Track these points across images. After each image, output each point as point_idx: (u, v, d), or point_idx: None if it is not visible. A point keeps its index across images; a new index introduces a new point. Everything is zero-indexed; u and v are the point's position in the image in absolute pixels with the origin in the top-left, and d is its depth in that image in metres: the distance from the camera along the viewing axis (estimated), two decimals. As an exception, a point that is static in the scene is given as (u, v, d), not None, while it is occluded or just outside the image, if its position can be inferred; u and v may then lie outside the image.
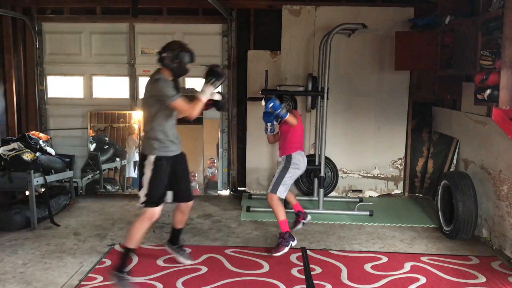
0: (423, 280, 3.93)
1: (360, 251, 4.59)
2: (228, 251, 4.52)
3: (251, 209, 5.83)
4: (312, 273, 4.02)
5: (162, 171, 3.77)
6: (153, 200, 3.76)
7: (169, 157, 3.83)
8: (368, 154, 6.62)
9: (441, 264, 4.27)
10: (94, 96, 6.99)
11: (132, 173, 6.88)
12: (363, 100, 6.59)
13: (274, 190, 4.56)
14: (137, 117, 6.87)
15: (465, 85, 5.39)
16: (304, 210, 5.20)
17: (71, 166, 6.17)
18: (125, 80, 6.94)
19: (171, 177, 3.88)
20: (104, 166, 6.79)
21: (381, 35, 6.43)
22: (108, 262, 4.21)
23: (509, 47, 3.88)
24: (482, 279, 3.96)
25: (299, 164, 4.69)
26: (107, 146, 6.85)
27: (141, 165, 3.84)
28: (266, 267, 4.15)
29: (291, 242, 4.42)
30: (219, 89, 4.05)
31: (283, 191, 4.60)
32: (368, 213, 5.73)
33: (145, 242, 4.74)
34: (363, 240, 4.92)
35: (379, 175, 6.71)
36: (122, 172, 6.87)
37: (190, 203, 4.12)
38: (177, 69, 3.79)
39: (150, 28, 6.81)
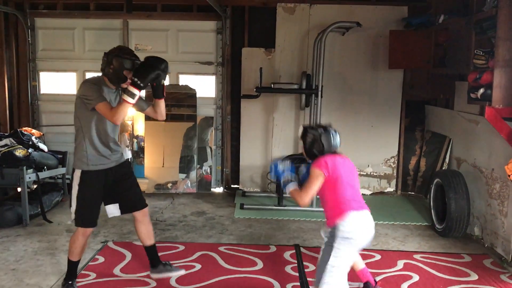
0: (416, 277, 3.96)
1: (353, 249, 4.60)
2: (221, 248, 4.52)
3: (245, 206, 5.83)
4: (305, 270, 4.03)
5: (89, 186, 3.42)
6: (83, 220, 3.45)
7: (100, 171, 3.45)
8: (361, 152, 6.64)
9: (434, 261, 4.30)
10: (87, 92, 6.94)
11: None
12: (356, 99, 6.61)
13: (316, 283, 2.97)
14: (130, 113, 6.83)
15: (458, 84, 5.42)
16: (375, 279, 3.60)
17: (63, 162, 6.14)
18: (119, 77, 6.89)
19: (111, 190, 3.54)
20: (97, 163, 6.74)
21: (375, 34, 6.44)
22: (101, 259, 4.19)
23: (503, 46, 3.92)
24: (474, 276, 3.99)
25: (349, 232, 2.94)
26: (100, 143, 6.80)
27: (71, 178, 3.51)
28: (260, 265, 4.16)
29: None
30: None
31: (332, 284, 2.91)
32: (361, 211, 5.74)
33: (138, 239, 4.72)
34: (356, 237, 4.93)
35: (372, 173, 6.74)
36: (115, 169, 6.83)
37: (145, 209, 3.68)
38: (111, 76, 3.36)
39: (144, 24, 6.78)
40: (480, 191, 4.85)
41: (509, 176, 3.97)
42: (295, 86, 6.07)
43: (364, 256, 4.35)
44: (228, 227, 5.23)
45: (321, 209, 5.87)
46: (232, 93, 6.75)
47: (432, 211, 5.25)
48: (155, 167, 6.66)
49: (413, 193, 6.69)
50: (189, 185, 6.64)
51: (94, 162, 3.42)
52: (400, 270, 4.11)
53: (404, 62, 5.92)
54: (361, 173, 6.72)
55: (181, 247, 4.53)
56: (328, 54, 6.05)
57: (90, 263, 4.11)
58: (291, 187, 3.11)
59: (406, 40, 5.80)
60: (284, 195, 5.94)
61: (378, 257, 4.39)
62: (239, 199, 6.26)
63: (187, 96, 6.69)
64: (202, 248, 4.53)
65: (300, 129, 3.26)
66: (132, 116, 6.82)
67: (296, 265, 4.17)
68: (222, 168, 6.92)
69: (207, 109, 6.91)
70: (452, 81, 5.54)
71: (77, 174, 3.41)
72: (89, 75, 6.90)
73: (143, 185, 6.65)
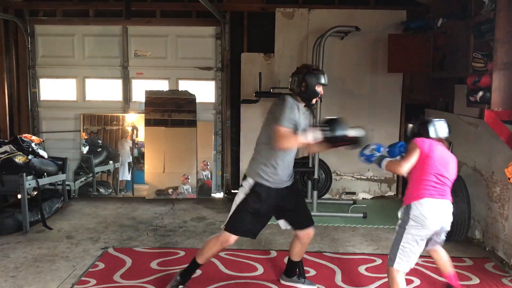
0: (417, 282, 3.94)
1: (354, 253, 4.59)
2: (222, 254, 4.49)
3: (245, 211, 5.82)
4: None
5: (254, 202, 3.41)
6: (235, 227, 3.46)
7: (271, 188, 3.43)
8: (362, 156, 6.62)
9: (435, 265, 4.26)
10: (87, 98, 6.97)
11: (126, 176, 6.86)
12: (356, 102, 6.61)
13: (391, 261, 3.18)
14: (130, 119, 6.85)
15: (458, 87, 5.42)
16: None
17: (63, 169, 6.13)
18: (118, 83, 6.92)
19: (278, 209, 3.55)
20: (97, 169, 6.76)
21: (374, 38, 6.45)
22: (101, 266, 4.18)
23: (501, 49, 3.92)
24: (476, 280, 3.98)
25: (421, 218, 3.12)
26: (100, 149, 6.82)
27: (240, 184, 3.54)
28: (260, 270, 4.14)
29: None
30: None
31: (403, 262, 3.15)
32: (361, 215, 5.74)
33: (138, 245, 4.72)
34: (357, 242, 4.93)
35: (372, 177, 6.73)
36: (115, 175, 6.84)
37: (311, 230, 3.67)
38: (304, 93, 3.41)
39: (144, 30, 6.81)
40: (480, 194, 4.84)
41: (509, 179, 3.96)
42: (295, 91, 6.06)
43: (365, 261, 4.36)
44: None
45: (321, 213, 5.89)
46: (232, 98, 6.76)
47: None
48: (156, 172, 6.66)
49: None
50: (190, 190, 6.64)
51: (273, 180, 3.43)
52: (401, 274, 4.10)
53: (403, 66, 5.92)
54: (362, 177, 6.71)
55: (182, 253, 4.52)
56: (327, 59, 6.06)
57: (90, 270, 4.10)
58: (386, 161, 3.26)
59: (405, 44, 5.80)
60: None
61: (379, 261, 4.38)
62: (239, 204, 6.24)
63: (187, 102, 6.70)
64: (203, 253, 4.51)
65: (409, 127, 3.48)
66: (132, 122, 6.83)
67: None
68: (223, 173, 6.92)
69: (207, 114, 6.91)
70: (451, 84, 5.54)
71: (249, 183, 3.43)
72: (88, 82, 6.95)
73: (143, 191, 6.66)
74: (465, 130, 5.24)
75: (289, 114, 3.28)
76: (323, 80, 3.44)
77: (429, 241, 3.31)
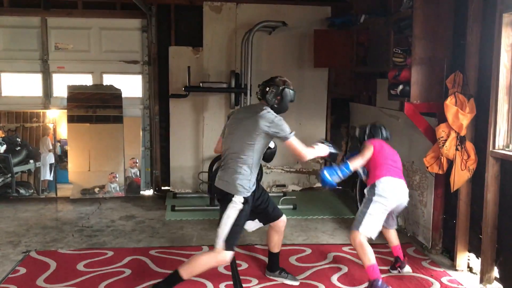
0: (345, 269, 4.09)
1: (285, 244, 4.64)
2: (152, 252, 4.41)
3: (176, 208, 5.74)
4: (238, 268, 4.03)
5: (245, 214, 3.42)
6: (233, 244, 3.39)
7: (251, 196, 3.47)
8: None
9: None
10: (4, 94, 6.55)
11: (48, 175, 6.51)
12: (284, 97, 6.70)
13: (356, 226, 3.64)
14: (51, 116, 6.51)
15: (380, 81, 5.65)
16: (406, 259, 4.15)
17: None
18: (38, 77, 6.55)
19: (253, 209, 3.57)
20: (16, 169, 6.36)
21: (301, 33, 6.57)
22: (22, 270, 3.95)
23: (418, 45, 4.13)
24: (399, 264, 4.18)
25: (386, 192, 3.69)
26: (19, 148, 6.41)
27: (222, 202, 3.43)
28: (244, 265, 4.11)
29: None
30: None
31: (368, 228, 3.61)
32: (291, 206, 5.85)
33: (63, 247, 4.51)
34: (287, 233, 5.00)
35: (301, 169, 6.88)
36: (36, 175, 6.47)
37: (284, 219, 3.79)
38: (276, 106, 3.50)
39: (65, 22, 6.49)
40: (402, 183, 5.08)
41: (427, 167, 4.21)
42: (224, 85, 6.06)
43: (295, 251, 4.45)
44: (159, 230, 5.12)
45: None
46: (160, 93, 6.62)
47: (359, 204, 5.43)
48: (81, 171, 6.38)
49: (340, 187, 6.90)
50: (118, 188, 6.43)
51: (252, 189, 3.45)
52: (330, 263, 4.24)
53: (328, 61, 6.09)
54: (291, 169, 6.84)
55: (110, 253, 4.37)
56: (256, 53, 6.10)
57: (10, 275, 3.85)
58: (350, 163, 3.78)
59: (329, 39, 5.97)
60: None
61: (308, 251, 4.49)
62: (170, 201, 6.15)
63: (113, 97, 6.48)
64: (132, 253, 4.40)
65: (357, 130, 4.24)
66: (54, 119, 6.49)
67: (229, 264, 4.15)
68: (152, 170, 6.77)
69: (134, 109, 6.73)
70: (373, 78, 5.77)
71: (239, 200, 3.36)
72: (4, 76, 6.52)
73: (67, 190, 6.37)
74: (387, 122, 5.46)
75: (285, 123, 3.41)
76: (294, 98, 3.59)
77: (387, 219, 3.84)
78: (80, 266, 4.07)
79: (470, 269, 4.10)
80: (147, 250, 4.46)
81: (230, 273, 3.95)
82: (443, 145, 3.95)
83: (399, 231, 5.04)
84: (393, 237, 4.05)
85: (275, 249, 3.89)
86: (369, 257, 3.53)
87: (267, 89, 3.51)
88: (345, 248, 4.56)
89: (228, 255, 3.37)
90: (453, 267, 4.16)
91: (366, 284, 3.66)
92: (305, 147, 3.48)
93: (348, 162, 3.79)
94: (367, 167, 3.95)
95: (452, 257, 4.26)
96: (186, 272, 3.36)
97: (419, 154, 4.63)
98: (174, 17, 6.51)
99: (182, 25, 6.57)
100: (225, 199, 3.39)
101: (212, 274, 3.81)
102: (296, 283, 3.83)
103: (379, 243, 4.70)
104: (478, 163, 3.88)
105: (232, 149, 3.44)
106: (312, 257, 4.36)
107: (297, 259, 4.30)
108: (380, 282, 3.48)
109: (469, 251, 4.12)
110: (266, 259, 4.14)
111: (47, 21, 6.45)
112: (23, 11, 6.39)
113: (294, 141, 3.41)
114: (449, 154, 3.96)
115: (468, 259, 4.13)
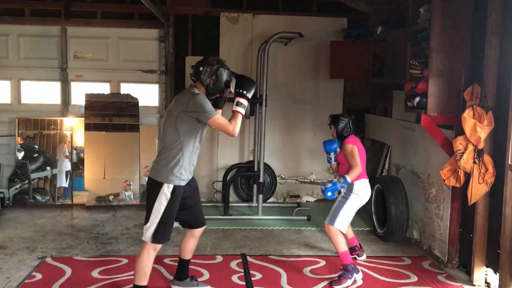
0: (359, 281, 4.05)
1: (299, 256, 4.65)
2: (166, 260, 4.42)
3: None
4: (252, 279, 4.02)
5: (176, 203, 3.37)
6: (162, 236, 3.38)
7: (182, 186, 3.38)
8: (305, 160, 6.75)
9: (376, 265, 4.42)
10: (23, 101, 6.66)
11: (64, 182, 6.59)
12: (300, 107, 6.72)
13: (332, 221, 4.07)
14: (69, 123, 6.59)
15: (396, 93, 5.63)
16: (362, 248, 4.65)
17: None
18: (57, 85, 6.66)
19: (182, 206, 3.48)
20: (33, 176, 6.44)
21: (317, 44, 6.59)
22: (38, 276, 3.99)
23: (436, 57, 4.11)
24: (414, 278, 4.14)
25: (361, 192, 4.15)
26: (36, 154, 6.51)
27: (151, 192, 3.36)
28: (206, 275, 4.10)
29: (354, 274, 3.98)
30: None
31: (342, 223, 4.07)
32: (305, 217, 5.82)
33: (78, 254, 4.54)
34: (301, 244, 4.99)
35: (315, 180, 6.86)
36: (53, 182, 6.54)
37: (204, 227, 3.75)
38: (211, 86, 3.36)
39: (84, 31, 6.59)
40: (417, 196, 5.04)
41: (444, 180, 4.17)
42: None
43: (309, 263, 4.43)
44: (173, 238, 5.08)
45: (266, 217, 5.91)
46: (176, 102, 6.65)
47: (374, 216, 5.41)
48: (96, 179, 6.44)
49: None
50: (132, 197, 6.47)
51: (185, 177, 3.37)
52: (344, 275, 4.19)
53: (344, 72, 6.09)
54: (305, 180, 6.82)
55: (125, 261, 4.39)
56: (271, 64, 6.13)
57: (26, 281, 3.89)
58: (348, 176, 4.04)
59: (345, 50, 5.97)
60: (230, 204, 5.94)
61: (323, 262, 4.46)
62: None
63: (129, 106, 6.54)
64: (147, 260, 4.40)
65: (329, 118, 4.36)
66: (71, 126, 6.58)
67: (243, 274, 4.15)
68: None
69: (151, 118, 6.79)
70: (390, 90, 5.75)
71: (169, 189, 3.30)
72: (24, 84, 6.63)
73: (83, 197, 6.43)
74: (403, 134, 5.45)
75: (208, 102, 3.28)
76: (230, 78, 3.40)
77: None
78: (95, 273, 4.09)
79: (488, 285, 4.03)
80: (161, 258, 4.46)
81: (244, 283, 3.94)
82: (460, 158, 3.91)
83: (415, 244, 5.00)
84: (350, 231, 4.54)
85: (188, 255, 3.77)
86: (343, 244, 4.03)
87: (201, 68, 3.31)
88: (360, 261, 4.52)
89: (157, 247, 3.38)
90: (470, 282, 4.09)
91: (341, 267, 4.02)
92: (230, 123, 3.31)
93: (347, 177, 4.04)
94: (341, 161, 4.30)
95: (469, 272, 4.20)
96: (137, 279, 3.40)
97: (435, 167, 4.60)
98: (191, 28, 6.58)
99: (199, 36, 6.64)
100: (154, 189, 3.32)
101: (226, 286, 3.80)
102: None
103: (393, 256, 4.67)
104: (496, 176, 3.83)
105: (162, 137, 3.40)
106: (326, 269, 4.33)
107: (311, 270, 4.27)
108: (352, 266, 3.97)
109: (487, 266, 4.05)
110: (280, 270, 4.13)
111: (66, 30, 6.57)
112: (44, 21, 6.51)
113: (218, 118, 3.29)
114: (466, 167, 3.91)
115: (486, 274, 4.06)
